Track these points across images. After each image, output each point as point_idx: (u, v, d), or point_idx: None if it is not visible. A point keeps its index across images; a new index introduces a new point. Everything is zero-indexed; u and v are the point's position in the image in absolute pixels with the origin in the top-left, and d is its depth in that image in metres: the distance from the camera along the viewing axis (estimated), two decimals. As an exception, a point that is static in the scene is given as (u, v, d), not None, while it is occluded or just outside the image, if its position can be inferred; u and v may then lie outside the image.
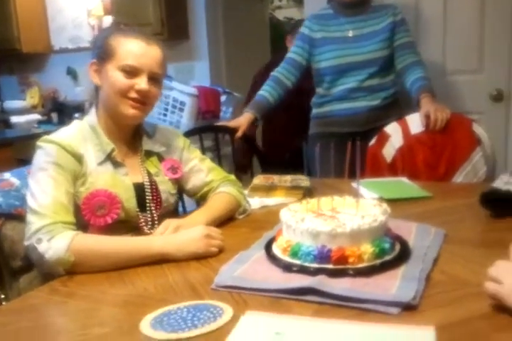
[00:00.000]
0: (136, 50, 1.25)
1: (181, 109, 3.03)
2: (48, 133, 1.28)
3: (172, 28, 3.48)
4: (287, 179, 1.65)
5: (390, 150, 2.07)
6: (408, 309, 0.82)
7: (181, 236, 1.14)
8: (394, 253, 1.02)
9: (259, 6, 4.50)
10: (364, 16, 2.23)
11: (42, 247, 1.07)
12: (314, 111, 2.39)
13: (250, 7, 4.24)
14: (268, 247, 1.10)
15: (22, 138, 3.02)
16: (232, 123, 2.20)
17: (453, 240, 1.13)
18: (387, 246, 1.01)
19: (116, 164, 1.28)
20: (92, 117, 1.31)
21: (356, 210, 1.07)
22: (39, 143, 1.24)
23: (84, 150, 1.25)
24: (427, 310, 0.82)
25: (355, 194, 1.16)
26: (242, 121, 2.17)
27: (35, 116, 3.64)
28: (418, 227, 1.20)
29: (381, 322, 0.79)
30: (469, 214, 1.30)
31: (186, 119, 3.01)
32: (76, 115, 3.59)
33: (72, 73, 4.05)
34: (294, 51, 2.30)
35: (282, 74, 2.27)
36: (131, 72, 1.25)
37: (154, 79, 1.28)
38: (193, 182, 1.44)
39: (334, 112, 2.30)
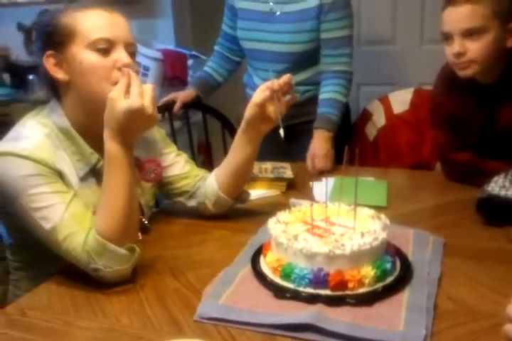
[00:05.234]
0: (101, 20, 1.02)
1: (145, 74, 2.81)
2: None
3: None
4: (268, 168, 1.52)
5: (371, 130, 1.98)
6: (419, 351, 0.74)
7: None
8: (395, 274, 0.93)
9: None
10: None
11: (104, 273, 0.93)
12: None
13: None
14: (254, 261, 1.00)
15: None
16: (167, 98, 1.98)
17: (452, 251, 1.05)
18: (388, 266, 0.91)
19: (100, 177, 1.02)
20: (60, 118, 1.06)
21: (354, 222, 0.97)
22: (1, 157, 0.97)
23: (60, 164, 1.01)
24: (439, 351, 0.74)
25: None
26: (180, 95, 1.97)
27: (-15, 77, 3.33)
28: (415, 235, 1.11)
29: (391, 369, 0.71)
30: (463, 215, 1.22)
31: (151, 86, 2.81)
32: (30, 77, 3.29)
33: (23, 29, 3.71)
34: (224, 22, 1.94)
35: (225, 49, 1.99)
36: (106, 48, 1.00)
37: (131, 53, 1.05)
38: (171, 175, 1.26)
39: None
